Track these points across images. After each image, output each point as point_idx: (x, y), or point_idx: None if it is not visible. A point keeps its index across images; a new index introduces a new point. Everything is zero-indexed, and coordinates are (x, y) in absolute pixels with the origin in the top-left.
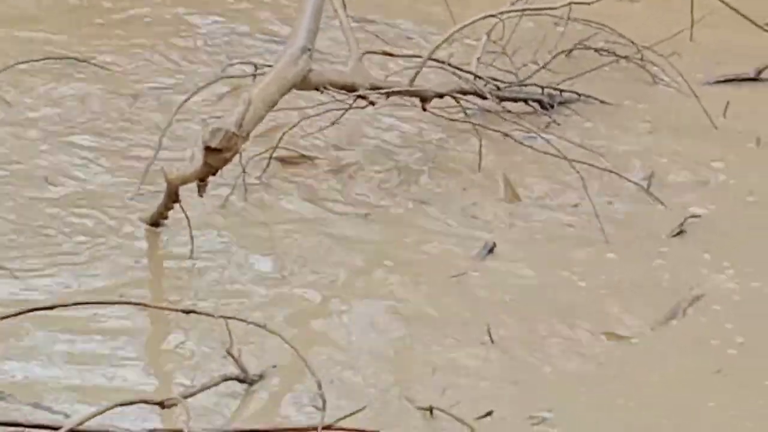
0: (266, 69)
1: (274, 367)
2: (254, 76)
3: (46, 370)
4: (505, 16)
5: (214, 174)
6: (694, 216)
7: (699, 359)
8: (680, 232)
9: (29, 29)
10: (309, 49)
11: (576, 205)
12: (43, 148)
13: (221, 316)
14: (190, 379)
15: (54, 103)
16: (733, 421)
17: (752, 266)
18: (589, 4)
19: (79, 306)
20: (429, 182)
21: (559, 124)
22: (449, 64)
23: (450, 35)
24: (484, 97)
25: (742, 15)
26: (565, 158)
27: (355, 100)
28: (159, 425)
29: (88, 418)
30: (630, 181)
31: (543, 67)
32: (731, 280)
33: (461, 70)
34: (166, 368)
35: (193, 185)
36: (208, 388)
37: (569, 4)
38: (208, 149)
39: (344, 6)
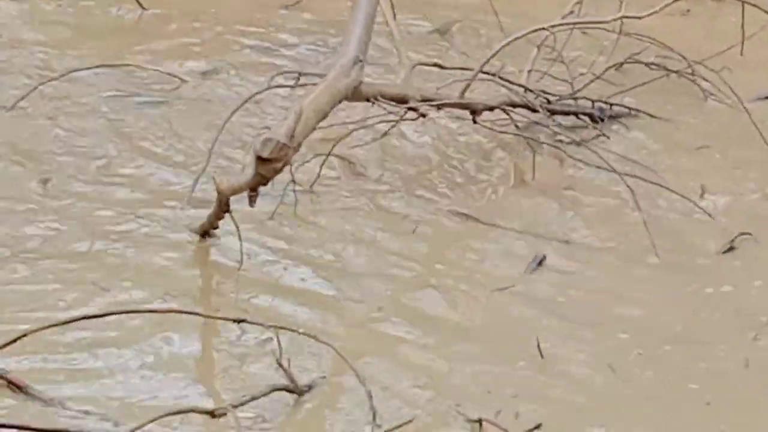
0: (316, 80)
1: (324, 377)
2: (301, 85)
3: (95, 380)
4: (556, 29)
5: (265, 184)
6: (744, 233)
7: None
8: (730, 249)
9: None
10: (361, 60)
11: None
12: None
13: (272, 326)
14: (240, 389)
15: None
16: None
17: None
18: (640, 18)
19: (130, 314)
20: (479, 195)
21: (608, 138)
22: (500, 77)
23: (501, 48)
24: (534, 110)
25: None
26: (614, 171)
27: (406, 112)
28: None
29: (139, 427)
30: (680, 195)
31: (594, 81)
32: None
33: (511, 83)
34: (216, 378)
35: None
36: (258, 398)
37: (621, 18)
38: (259, 159)
39: (394, 15)
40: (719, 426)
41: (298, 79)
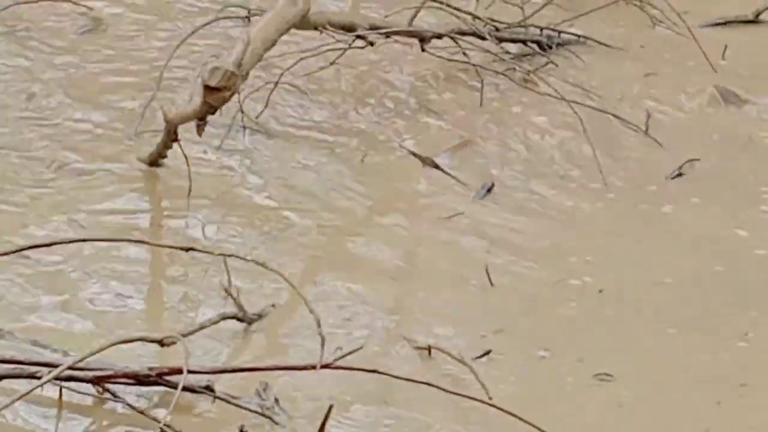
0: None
1: (273, 305)
2: (248, 18)
3: (44, 309)
4: None
5: (213, 113)
6: (692, 159)
7: None
8: (679, 175)
9: None
10: None
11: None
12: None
13: (221, 254)
14: (189, 318)
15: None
16: None
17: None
18: None
19: (78, 243)
20: (426, 121)
21: (557, 66)
22: (448, 5)
23: None
24: (483, 38)
25: None
26: (563, 99)
27: (354, 40)
28: (158, 364)
29: (87, 356)
30: (628, 123)
31: (542, 8)
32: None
33: (460, 10)
34: (165, 307)
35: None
36: (207, 326)
37: None
38: (207, 88)
39: None
40: (663, 336)
41: (249, 14)
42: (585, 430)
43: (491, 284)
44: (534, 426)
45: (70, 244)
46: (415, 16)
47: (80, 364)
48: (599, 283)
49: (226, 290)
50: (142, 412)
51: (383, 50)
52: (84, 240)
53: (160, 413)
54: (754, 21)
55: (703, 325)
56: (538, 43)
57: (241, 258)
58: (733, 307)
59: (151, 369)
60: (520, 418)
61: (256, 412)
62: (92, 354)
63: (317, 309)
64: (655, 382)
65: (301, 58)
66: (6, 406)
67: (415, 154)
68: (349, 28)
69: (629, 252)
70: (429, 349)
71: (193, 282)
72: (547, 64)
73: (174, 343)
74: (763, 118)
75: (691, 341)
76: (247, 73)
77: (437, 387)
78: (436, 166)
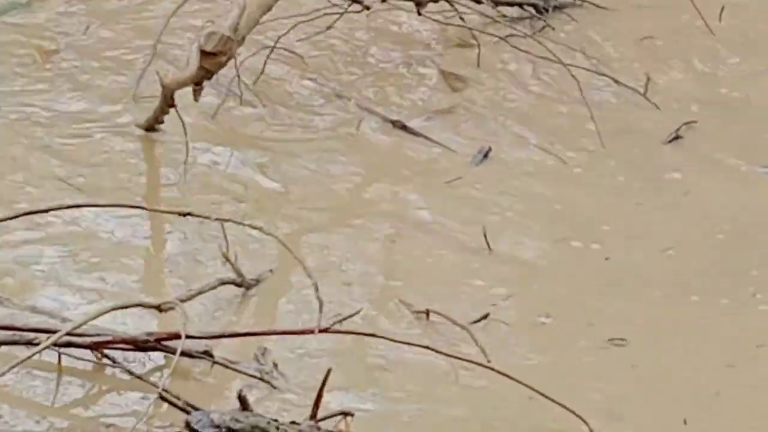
0: None
1: (271, 271)
2: None
3: (42, 275)
4: None
5: (209, 78)
6: (689, 122)
7: None
8: (676, 137)
9: None
10: None
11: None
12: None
13: (217, 219)
14: (187, 283)
15: None
16: None
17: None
18: None
19: (75, 209)
20: (427, 88)
21: (554, 29)
22: None
23: None
24: (479, 1)
25: None
26: (560, 62)
27: (350, 5)
28: (156, 329)
29: (85, 322)
30: (625, 86)
31: None
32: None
33: None
34: (163, 272)
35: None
36: (205, 291)
37: None
38: (203, 53)
39: None
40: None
41: None
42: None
43: (489, 249)
44: (536, 390)
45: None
46: None
47: (78, 330)
48: (603, 247)
49: (224, 255)
50: (140, 378)
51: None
52: (81, 206)
53: (159, 379)
54: None
55: (711, 288)
56: (534, 5)
57: (239, 223)
58: (738, 268)
59: (149, 334)
60: (519, 381)
61: (254, 376)
62: (90, 319)
63: (315, 274)
64: (665, 346)
65: (298, 23)
66: (4, 372)
67: (401, 126)
68: None
69: (630, 214)
70: (427, 312)
71: (191, 247)
72: (544, 27)
73: (172, 308)
74: (759, 77)
75: (700, 304)
76: (243, 38)
77: (436, 350)
78: (416, 133)
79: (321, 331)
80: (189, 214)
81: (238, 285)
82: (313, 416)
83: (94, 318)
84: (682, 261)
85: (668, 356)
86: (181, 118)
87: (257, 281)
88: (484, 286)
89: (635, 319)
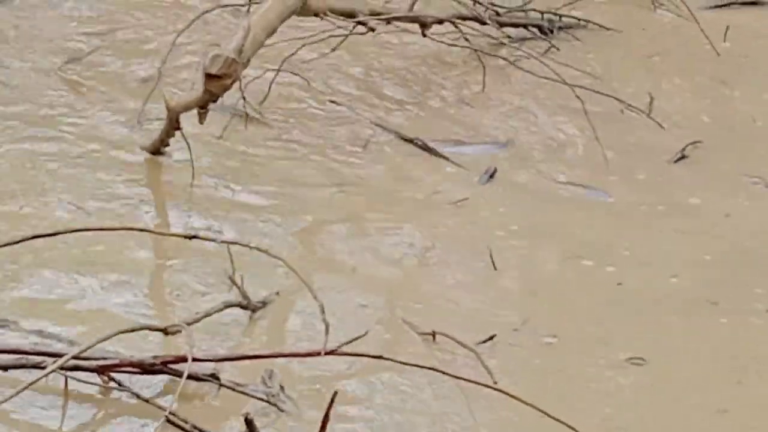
0: None
1: (278, 293)
2: (250, 3)
3: (48, 299)
4: None
5: (215, 101)
6: (695, 142)
7: None
8: (682, 157)
9: None
10: None
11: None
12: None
13: (223, 241)
14: (193, 306)
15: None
16: None
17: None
18: None
19: (81, 233)
20: (433, 107)
21: (558, 50)
22: None
23: None
24: (483, 23)
25: None
26: (565, 83)
27: (355, 26)
28: (162, 352)
29: (92, 345)
30: (630, 106)
31: None
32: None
33: None
34: (169, 296)
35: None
36: (211, 314)
37: None
38: (208, 76)
39: None
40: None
41: (249, 2)
42: (594, 413)
43: (494, 268)
44: (542, 411)
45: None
46: (415, 1)
47: (85, 354)
48: (611, 267)
49: (230, 278)
50: (147, 401)
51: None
52: (87, 230)
53: (166, 402)
54: (755, 2)
55: (721, 304)
56: (539, 27)
57: (245, 245)
58: (749, 284)
59: (155, 357)
60: (525, 402)
61: (261, 399)
62: (97, 343)
63: (321, 296)
64: (675, 362)
65: (303, 45)
66: (11, 397)
67: (419, 143)
68: (349, 15)
69: (639, 233)
70: (433, 334)
71: (197, 270)
72: (549, 49)
73: (179, 331)
74: (764, 97)
75: (710, 321)
76: (248, 60)
77: (443, 372)
78: (436, 154)
79: (327, 353)
80: (195, 236)
81: (244, 308)
82: None
83: (101, 341)
84: (691, 280)
85: (677, 374)
86: (186, 141)
87: (264, 304)
88: (490, 307)
89: (645, 337)
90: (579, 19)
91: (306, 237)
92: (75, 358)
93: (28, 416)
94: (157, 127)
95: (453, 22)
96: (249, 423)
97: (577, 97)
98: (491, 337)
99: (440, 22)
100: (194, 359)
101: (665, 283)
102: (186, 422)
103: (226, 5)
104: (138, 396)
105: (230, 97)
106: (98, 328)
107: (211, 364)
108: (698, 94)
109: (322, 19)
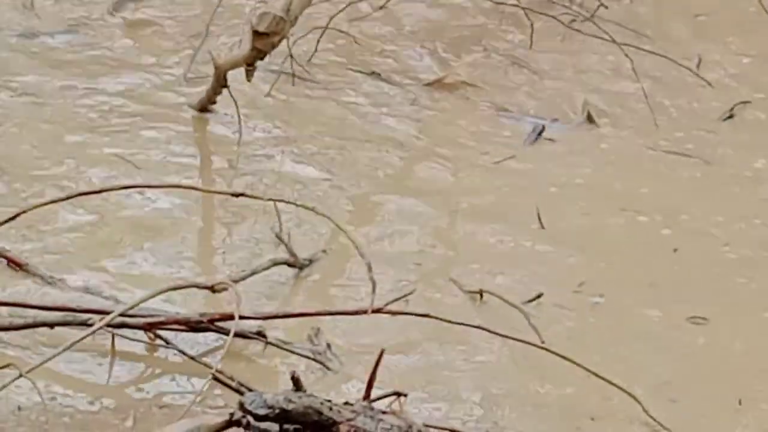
0: None
1: (324, 251)
2: None
3: (95, 256)
4: None
5: (262, 58)
6: (743, 102)
7: None
8: (730, 117)
9: None
10: None
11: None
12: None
13: (270, 199)
14: (240, 263)
15: None
16: None
17: None
18: None
19: (128, 189)
20: (478, 64)
21: (606, 8)
22: None
23: None
24: None
25: None
26: (613, 41)
27: None
28: (209, 310)
29: (138, 303)
30: (679, 64)
31: None
32: None
33: None
34: (216, 253)
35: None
36: (258, 272)
37: None
38: (256, 33)
39: None
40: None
41: None
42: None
43: (542, 227)
44: (588, 370)
45: (121, 191)
46: None
47: (132, 311)
48: (663, 223)
49: (277, 236)
50: (193, 358)
51: None
52: (134, 186)
53: (212, 360)
54: None
55: None
56: None
57: (291, 203)
58: None
59: (202, 315)
60: (573, 362)
61: (307, 357)
62: (143, 300)
63: (368, 254)
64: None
65: (350, 3)
66: (58, 353)
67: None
68: None
69: (688, 190)
70: (480, 293)
71: (244, 228)
72: (598, 7)
73: (225, 289)
74: None
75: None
76: (296, 18)
77: (489, 331)
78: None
79: (374, 311)
80: (242, 194)
81: (291, 265)
82: (366, 397)
83: (148, 299)
84: (747, 237)
85: (734, 337)
86: (234, 99)
87: (310, 261)
88: (537, 265)
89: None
90: None
91: (352, 193)
92: (122, 315)
93: (75, 373)
94: (204, 85)
95: None
96: (296, 381)
97: (626, 55)
98: (538, 296)
99: None
100: (241, 317)
101: (720, 240)
102: (232, 380)
103: None
104: (184, 353)
105: (277, 56)
106: (145, 286)
107: (258, 322)
108: (745, 54)
109: None
